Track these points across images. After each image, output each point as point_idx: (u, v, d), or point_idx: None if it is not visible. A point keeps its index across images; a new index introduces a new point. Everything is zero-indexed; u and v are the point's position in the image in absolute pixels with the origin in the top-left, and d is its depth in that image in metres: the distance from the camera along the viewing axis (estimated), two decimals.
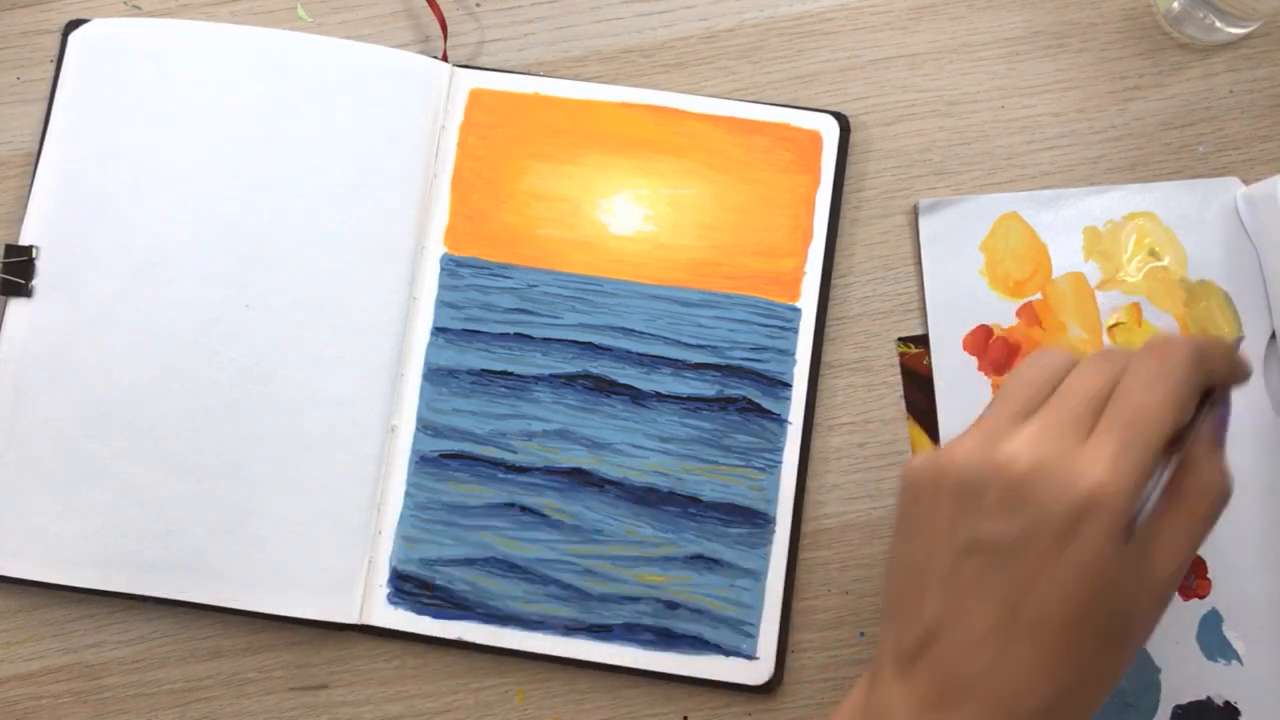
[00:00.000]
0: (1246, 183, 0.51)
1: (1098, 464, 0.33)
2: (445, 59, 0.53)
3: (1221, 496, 0.36)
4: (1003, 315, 0.51)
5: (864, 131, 0.52)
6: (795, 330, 0.50)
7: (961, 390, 0.50)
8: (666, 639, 0.48)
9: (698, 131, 0.51)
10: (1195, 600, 0.49)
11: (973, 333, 0.50)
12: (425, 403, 0.50)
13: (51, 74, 0.53)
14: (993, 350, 0.50)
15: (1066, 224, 0.51)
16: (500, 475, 0.49)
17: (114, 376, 0.50)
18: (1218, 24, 0.51)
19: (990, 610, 0.34)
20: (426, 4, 0.53)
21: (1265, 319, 0.50)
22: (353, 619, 0.48)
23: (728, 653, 0.48)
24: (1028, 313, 0.51)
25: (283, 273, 0.50)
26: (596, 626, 0.48)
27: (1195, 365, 0.35)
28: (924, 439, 0.50)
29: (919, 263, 0.51)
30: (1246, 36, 0.52)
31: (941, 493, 0.36)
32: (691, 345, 0.50)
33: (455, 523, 0.49)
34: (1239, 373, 0.38)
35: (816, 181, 0.51)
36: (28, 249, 0.51)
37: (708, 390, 0.50)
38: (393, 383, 0.50)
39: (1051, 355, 0.38)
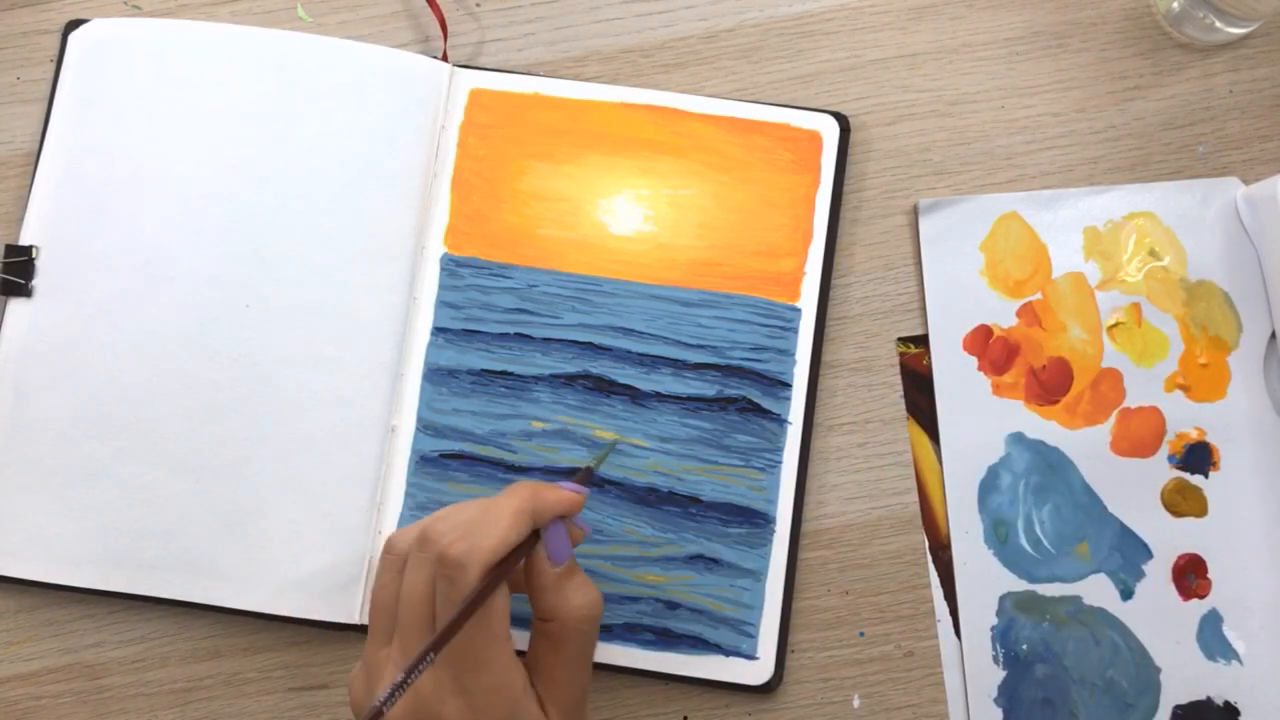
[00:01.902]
0: (1246, 183, 0.51)
1: (375, 679, 0.38)
2: (445, 59, 0.53)
3: (589, 614, 0.39)
4: (1003, 315, 0.51)
5: (864, 131, 0.52)
6: (795, 330, 0.50)
7: (961, 390, 0.50)
8: (666, 639, 0.48)
9: (698, 131, 0.51)
10: (1195, 600, 0.49)
11: (973, 333, 0.50)
12: (425, 403, 0.50)
13: (51, 74, 0.53)
14: (993, 350, 0.50)
15: (1066, 224, 0.51)
16: (500, 475, 0.49)
17: (114, 376, 0.50)
18: (1218, 24, 0.51)
19: None
20: (426, 4, 0.53)
21: (1265, 319, 0.50)
22: (353, 619, 0.48)
23: (728, 653, 0.48)
24: (1028, 313, 0.51)
25: (283, 273, 0.50)
26: None
27: (463, 563, 0.37)
28: (924, 439, 0.50)
29: (919, 263, 0.51)
30: (1246, 36, 0.52)
31: None
32: (691, 345, 0.50)
33: None
34: (547, 515, 0.39)
35: (816, 181, 0.51)
36: (28, 249, 0.51)
37: (708, 390, 0.50)
38: (393, 383, 0.50)
39: (388, 557, 0.40)
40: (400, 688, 0.34)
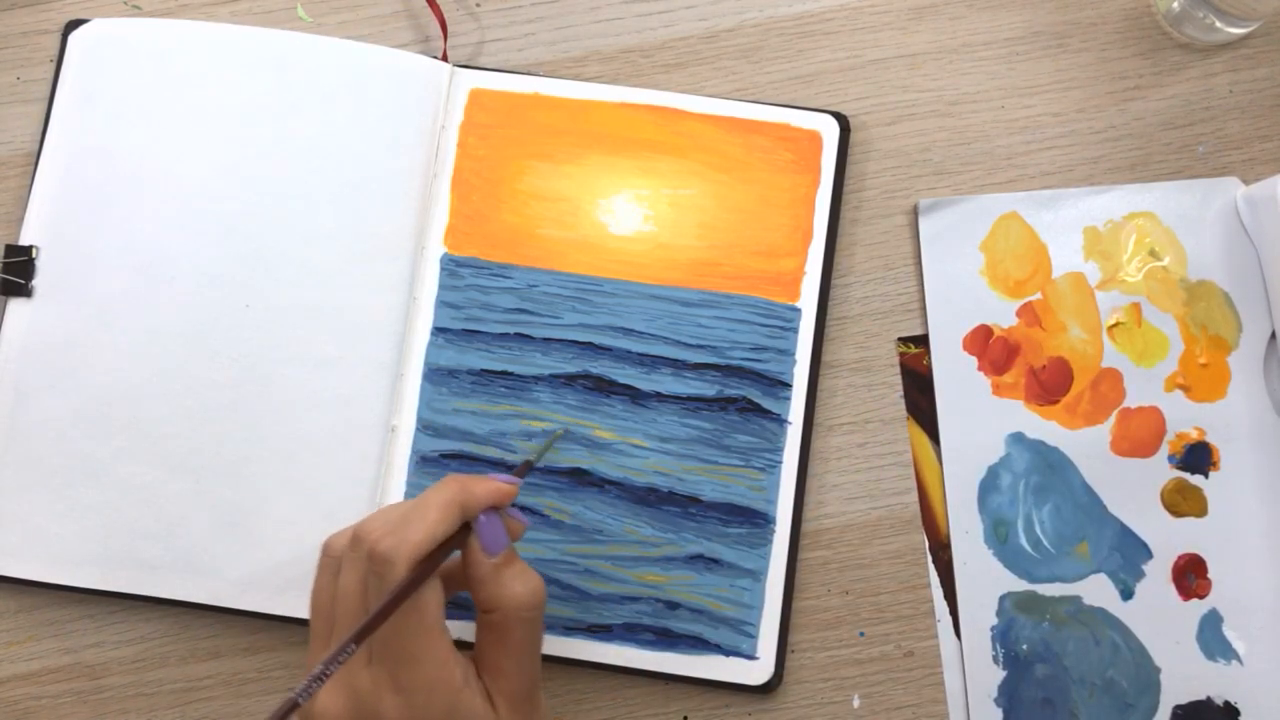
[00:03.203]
0: (1246, 183, 0.51)
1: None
2: (445, 59, 0.53)
3: (529, 603, 0.39)
4: (1003, 315, 0.51)
5: (864, 131, 0.52)
6: (795, 330, 0.50)
7: (961, 390, 0.50)
8: (666, 639, 0.48)
9: (698, 131, 0.51)
10: (1195, 600, 0.49)
11: (973, 333, 0.50)
12: (425, 403, 0.50)
13: (51, 74, 0.53)
14: (993, 350, 0.50)
15: (1066, 224, 0.51)
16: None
17: (114, 376, 0.50)
18: (1218, 24, 0.51)
19: None
20: (426, 4, 0.53)
21: (1265, 319, 0.50)
22: None
23: (728, 653, 0.48)
24: (1028, 313, 0.51)
25: (283, 273, 0.50)
26: (596, 626, 0.48)
27: (389, 557, 0.37)
28: (924, 439, 0.50)
29: (919, 263, 0.51)
30: (1246, 36, 0.52)
31: None
32: (691, 345, 0.50)
33: None
34: (476, 507, 0.39)
35: (816, 181, 0.51)
36: (28, 249, 0.51)
37: (708, 390, 0.50)
38: (393, 383, 0.50)
39: (325, 558, 0.40)
40: (318, 679, 0.34)
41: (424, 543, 0.37)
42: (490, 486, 0.40)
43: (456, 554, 0.40)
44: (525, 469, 0.43)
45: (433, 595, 0.37)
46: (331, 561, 0.39)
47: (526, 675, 0.39)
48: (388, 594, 0.36)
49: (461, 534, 0.39)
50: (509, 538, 0.40)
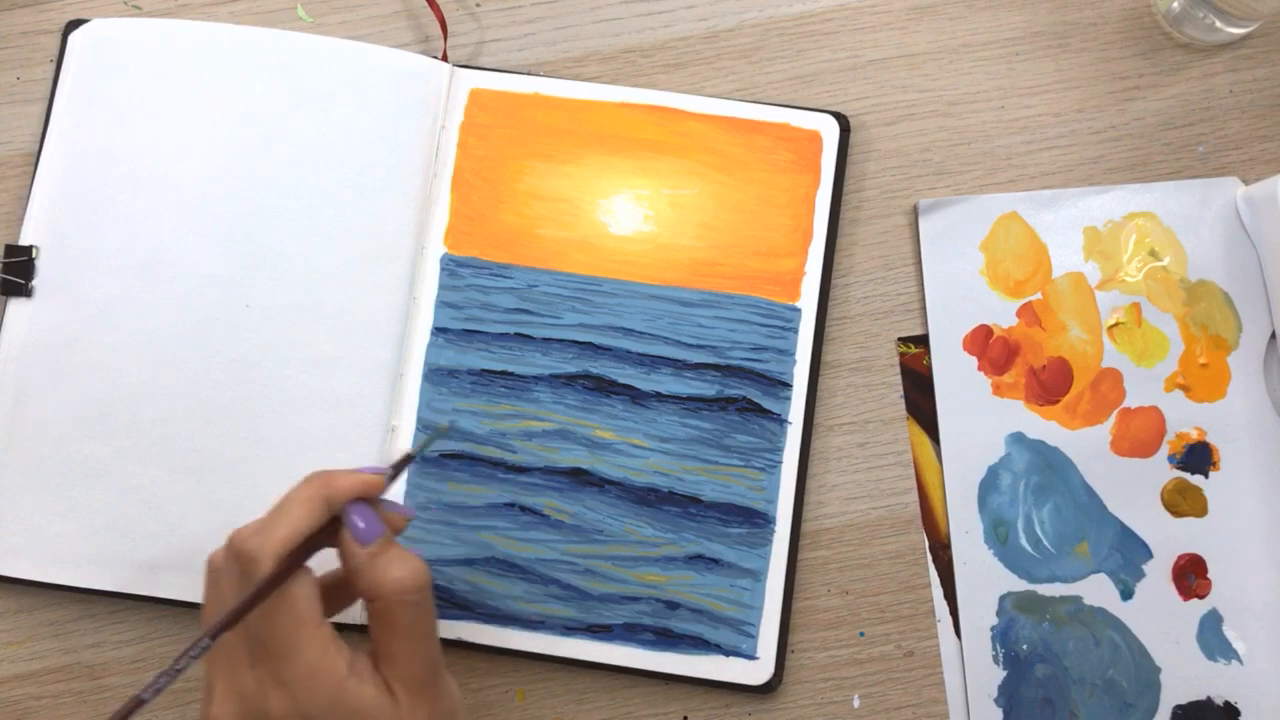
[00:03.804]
0: (1246, 183, 0.51)
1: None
2: (445, 59, 0.53)
3: (399, 590, 0.38)
4: (1003, 315, 0.51)
5: (864, 131, 0.52)
6: (795, 330, 0.50)
7: (961, 390, 0.50)
8: (666, 639, 0.48)
9: (698, 131, 0.51)
10: (1195, 600, 0.49)
11: (973, 333, 0.50)
12: (425, 403, 0.50)
13: (51, 74, 0.53)
14: (993, 350, 0.50)
15: (1066, 224, 0.51)
16: (500, 475, 0.49)
17: (114, 376, 0.50)
18: (1218, 24, 0.51)
19: None
20: (426, 4, 0.53)
21: (1265, 319, 0.50)
22: (353, 619, 0.48)
23: (728, 653, 0.48)
24: (1028, 313, 0.51)
25: (283, 273, 0.50)
26: (596, 626, 0.48)
27: (244, 562, 0.37)
28: (924, 439, 0.50)
29: (919, 263, 0.51)
30: (1246, 36, 0.52)
31: None
32: (691, 345, 0.50)
33: (455, 523, 0.49)
34: (341, 499, 0.39)
35: (816, 181, 0.51)
36: (28, 249, 0.51)
37: (708, 390, 0.50)
38: (393, 383, 0.50)
39: (207, 575, 0.40)
40: (167, 675, 0.35)
41: (288, 537, 0.37)
42: (355, 479, 0.40)
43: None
44: (405, 461, 0.43)
45: (303, 589, 0.38)
46: (213, 575, 0.40)
47: (421, 659, 0.39)
48: (252, 588, 0.37)
49: (333, 529, 0.39)
50: (384, 527, 0.40)
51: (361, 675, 0.38)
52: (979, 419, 0.50)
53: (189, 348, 0.50)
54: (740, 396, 0.50)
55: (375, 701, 0.37)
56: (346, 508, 0.39)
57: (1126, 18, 0.53)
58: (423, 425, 0.50)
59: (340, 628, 0.49)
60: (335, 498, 0.39)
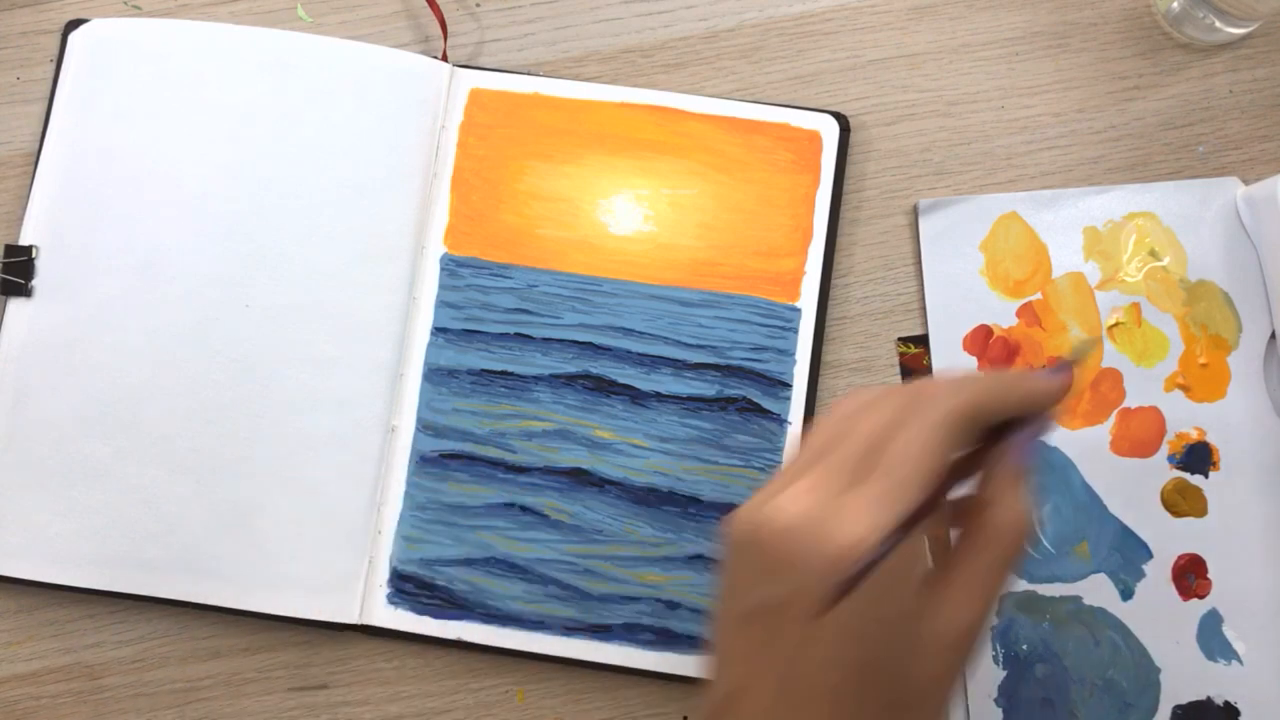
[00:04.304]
0: (1246, 183, 0.51)
1: (852, 521, 0.31)
2: (445, 59, 0.53)
3: (1015, 536, 0.34)
4: (1003, 315, 0.51)
5: (864, 131, 0.52)
6: (795, 330, 0.50)
7: None
8: (666, 639, 0.48)
9: (698, 131, 0.51)
10: (1195, 600, 0.49)
11: (973, 333, 0.50)
12: (425, 403, 0.50)
13: (51, 74, 0.53)
14: (993, 350, 0.50)
15: (1066, 224, 0.51)
16: (500, 475, 0.49)
17: (114, 376, 0.50)
18: (1218, 24, 0.51)
19: (770, 678, 0.32)
20: (426, 4, 0.53)
21: (1265, 319, 0.50)
22: (353, 619, 0.48)
23: None
24: (1028, 313, 0.51)
25: (283, 273, 0.50)
26: (596, 626, 0.48)
27: (945, 405, 0.33)
28: None
29: (919, 263, 0.51)
30: (1246, 36, 0.52)
31: (731, 551, 0.34)
32: (691, 345, 0.50)
33: (455, 523, 0.49)
34: (1036, 401, 0.35)
35: (816, 181, 0.51)
36: (28, 249, 0.51)
37: (708, 390, 0.50)
38: (393, 383, 0.50)
39: (851, 398, 0.35)
40: (896, 539, 0.30)
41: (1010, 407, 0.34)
42: (1054, 388, 0.35)
43: None
44: (1067, 368, 0.37)
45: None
46: (867, 401, 0.34)
47: (980, 602, 0.33)
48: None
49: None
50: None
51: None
52: None
53: (189, 348, 0.50)
54: (740, 396, 0.50)
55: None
56: (1032, 422, 0.35)
57: (1126, 18, 0.53)
58: (427, 428, 0.50)
59: (340, 629, 0.49)
60: (1030, 406, 0.35)
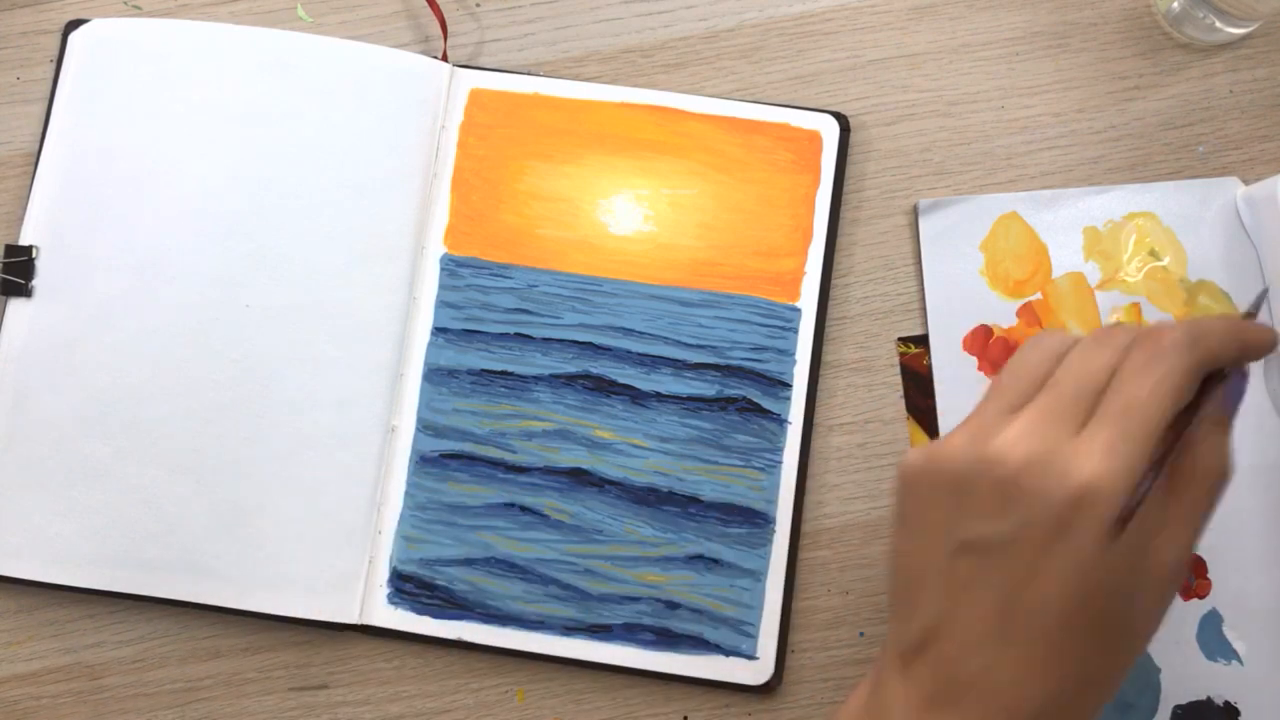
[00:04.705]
0: (1246, 183, 0.51)
1: (1090, 457, 0.32)
2: (445, 59, 0.53)
3: (1220, 480, 0.35)
4: (1003, 315, 0.51)
5: (864, 131, 0.52)
6: (795, 330, 0.50)
7: (961, 390, 0.50)
8: (666, 639, 0.48)
9: (698, 131, 0.51)
10: (1195, 600, 0.49)
11: (973, 333, 0.50)
12: (425, 403, 0.50)
13: (51, 74, 0.53)
14: (993, 350, 0.50)
15: (1066, 224, 0.51)
16: (500, 475, 0.49)
17: (114, 376, 0.50)
18: (1218, 24, 0.51)
19: (986, 610, 0.34)
20: (426, 4, 0.53)
21: (1265, 319, 0.50)
22: (353, 619, 0.48)
23: (728, 653, 0.48)
24: (1028, 313, 0.51)
25: (283, 273, 0.50)
26: (596, 626, 0.48)
27: (1188, 352, 0.34)
28: (924, 439, 0.50)
29: (919, 263, 0.51)
30: (1246, 36, 0.52)
31: (936, 489, 0.35)
32: (691, 345, 0.50)
33: (455, 523, 0.49)
34: (1251, 350, 0.36)
35: (816, 181, 0.51)
36: (28, 249, 0.51)
37: (708, 390, 0.50)
38: (393, 383, 0.50)
39: (1048, 340, 0.36)
40: (1151, 480, 0.33)
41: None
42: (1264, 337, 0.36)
43: None
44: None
45: None
46: (1074, 344, 0.35)
47: (1185, 543, 0.34)
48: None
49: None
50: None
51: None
52: None
53: (189, 348, 0.50)
54: (740, 396, 0.50)
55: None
56: (1238, 371, 0.36)
57: (1126, 18, 0.53)
58: (427, 428, 0.50)
59: (340, 629, 0.49)
60: (1247, 358, 0.36)
